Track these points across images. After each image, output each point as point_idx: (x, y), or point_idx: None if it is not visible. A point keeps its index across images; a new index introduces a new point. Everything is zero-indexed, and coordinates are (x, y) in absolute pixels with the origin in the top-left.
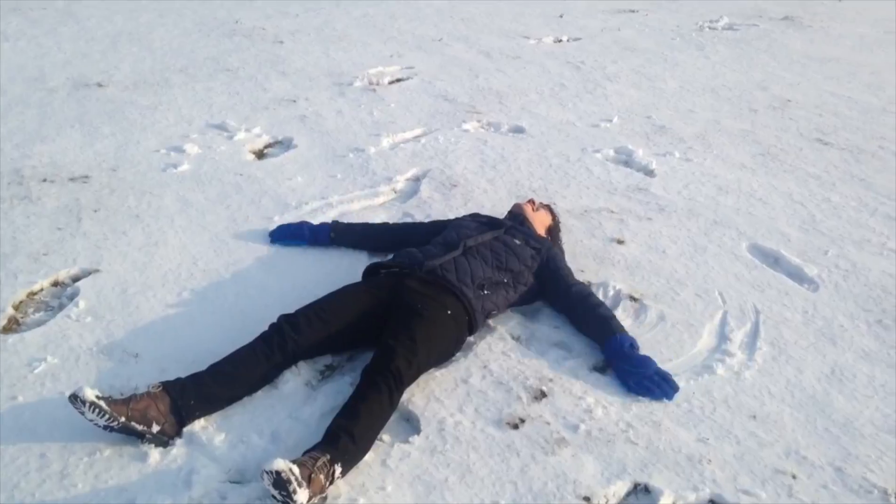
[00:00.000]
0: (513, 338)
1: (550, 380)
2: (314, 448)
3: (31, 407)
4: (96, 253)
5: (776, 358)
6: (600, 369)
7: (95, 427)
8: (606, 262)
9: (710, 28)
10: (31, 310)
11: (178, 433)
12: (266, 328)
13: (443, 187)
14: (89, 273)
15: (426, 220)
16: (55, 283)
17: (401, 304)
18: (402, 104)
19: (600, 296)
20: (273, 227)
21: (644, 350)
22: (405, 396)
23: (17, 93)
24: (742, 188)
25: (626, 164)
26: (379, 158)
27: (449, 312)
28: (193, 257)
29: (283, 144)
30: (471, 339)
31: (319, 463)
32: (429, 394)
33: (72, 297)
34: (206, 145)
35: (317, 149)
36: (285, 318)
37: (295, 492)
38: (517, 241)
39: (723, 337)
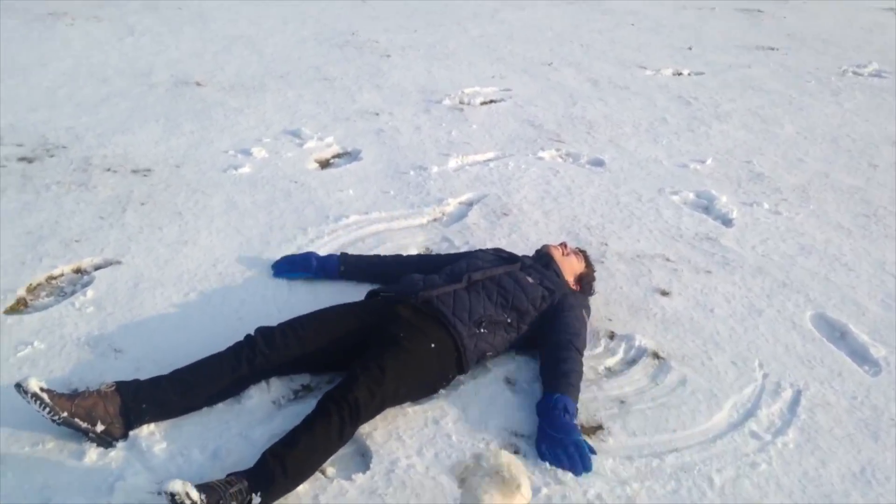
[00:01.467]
0: (508, 383)
1: (529, 435)
2: (239, 472)
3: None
4: (125, 245)
5: (801, 446)
6: (587, 431)
7: (48, 419)
8: (641, 313)
9: (854, 73)
10: (44, 293)
11: (125, 435)
12: (242, 338)
13: (493, 215)
14: (110, 264)
15: (463, 248)
16: (77, 270)
17: (384, 331)
18: (484, 126)
19: (621, 351)
20: (283, 254)
21: (650, 416)
22: (366, 429)
23: (119, 85)
24: (828, 250)
25: (705, 210)
26: (439, 179)
27: (433, 346)
28: (215, 259)
29: (350, 156)
30: (461, 378)
31: (234, 489)
32: (392, 430)
33: (86, 286)
34: (275, 150)
35: (381, 163)
36: (260, 331)
37: None
38: (530, 280)
39: (748, 414)
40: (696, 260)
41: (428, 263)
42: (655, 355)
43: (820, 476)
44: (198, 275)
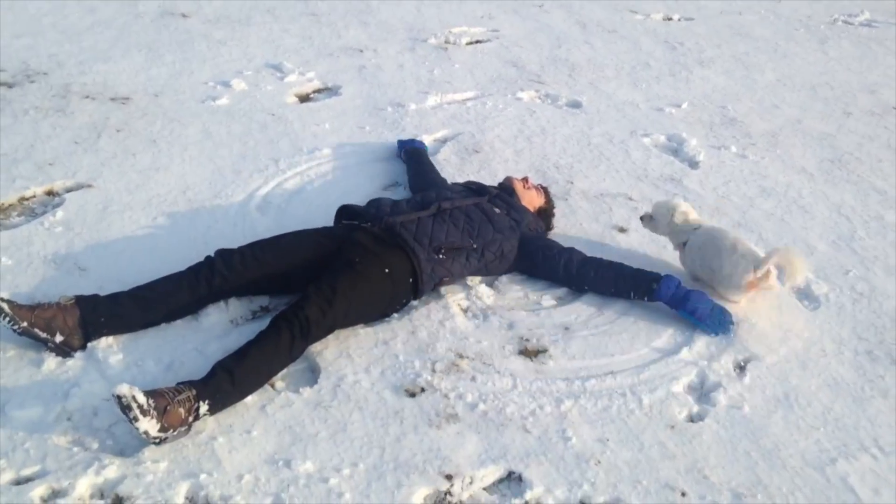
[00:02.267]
0: (460, 308)
1: (474, 357)
2: (188, 381)
3: None
4: (98, 169)
5: (729, 373)
6: (530, 353)
7: (9, 329)
8: (597, 248)
9: (844, 22)
10: (15, 213)
11: (83, 347)
12: (202, 259)
13: (465, 151)
14: (82, 187)
15: None
16: (49, 192)
17: (341, 255)
18: (467, 66)
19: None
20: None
21: (591, 342)
22: (317, 347)
23: (106, 14)
24: (788, 193)
25: (674, 152)
26: (415, 116)
27: (387, 271)
28: (186, 185)
29: (331, 91)
30: (415, 302)
31: (182, 396)
32: (343, 349)
33: (56, 207)
34: (255, 83)
35: (359, 99)
36: (219, 253)
37: (136, 419)
38: (497, 210)
39: (684, 342)
40: (657, 198)
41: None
42: None
43: (743, 401)
44: (167, 200)
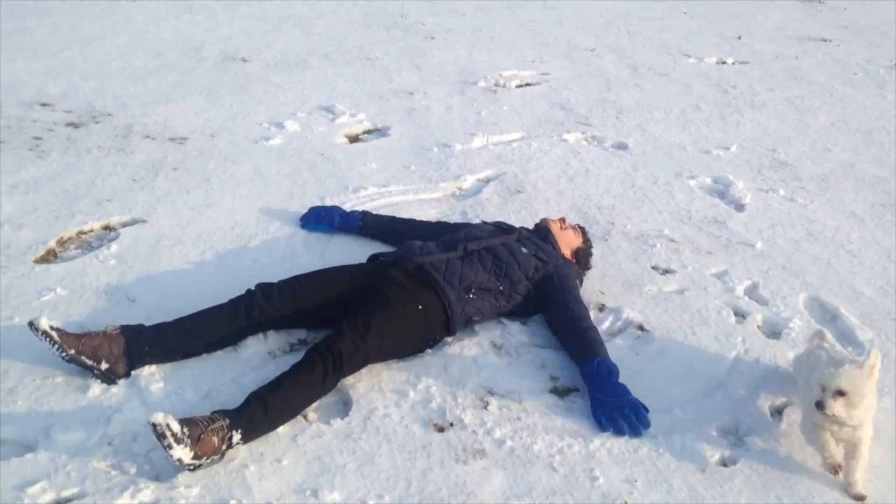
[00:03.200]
0: (494, 346)
1: (504, 394)
2: (223, 410)
3: (19, 328)
4: (153, 206)
5: (765, 417)
6: (560, 393)
7: (57, 356)
8: (635, 289)
9: None
10: (73, 246)
11: (127, 374)
12: (243, 292)
13: (507, 191)
14: (137, 222)
15: (475, 221)
16: (105, 227)
17: (375, 291)
18: (515, 108)
19: (607, 322)
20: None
21: (624, 382)
22: (351, 381)
23: (170, 59)
24: (836, 237)
25: (720, 194)
26: (460, 156)
27: (420, 307)
28: (235, 222)
29: (379, 132)
30: (449, 339)
31: (216, 426)
32: (375, 383)
33: (111, 241)
34: (307, 124)
35: (407, 140)
36: (260, 286)
37: (170, 446)
38: (524, 250)
39: (718, 386)
40: (700, 241)
41: (439, 228)
42: (640, 328)
43: (779, 445)
44: (216, 235)
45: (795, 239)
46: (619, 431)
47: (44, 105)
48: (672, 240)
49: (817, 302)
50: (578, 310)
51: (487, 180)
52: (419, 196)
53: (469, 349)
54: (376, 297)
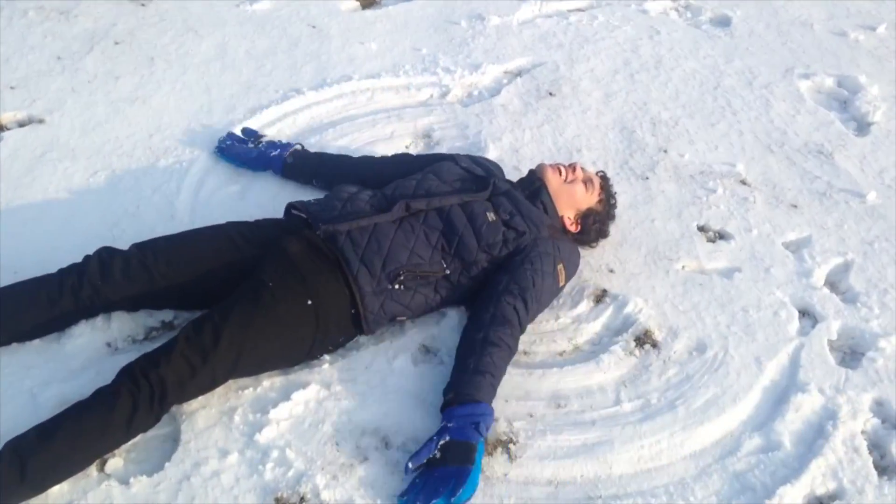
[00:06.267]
0: (424, 350)
1: (403, 443)
2: None
3: None
4: (63, 98)
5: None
6: (498, 444)
7: None
8: (662, 265)
9: None
10: None
11: None
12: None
13: (534, 94)
14: (32, 122)
15: (463, 143)
16: None
17: (258, 273)
18: None
19: (600, 321)
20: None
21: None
22: (198, 403)
23: None
24: None
25: (840, 106)
26: (493, 35)
27: (310, 303)
28: (156, 128)
29: None
30: (361, 339)
31: None
32: (228, 410)
33: None
34: None
35: (432, 7)
36: (99, 255)
37: None
38: (490, 216)
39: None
40: (785, 185)
41: (397, 168)
42: (647, 338)
43: None
44: (122, 148)
45: None
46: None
47: None
48: (744, 181)
49: None
50: (506, 310)
51: (516, 73)
52: (413, 97)
53: (384, 357)
54: (250, 284)
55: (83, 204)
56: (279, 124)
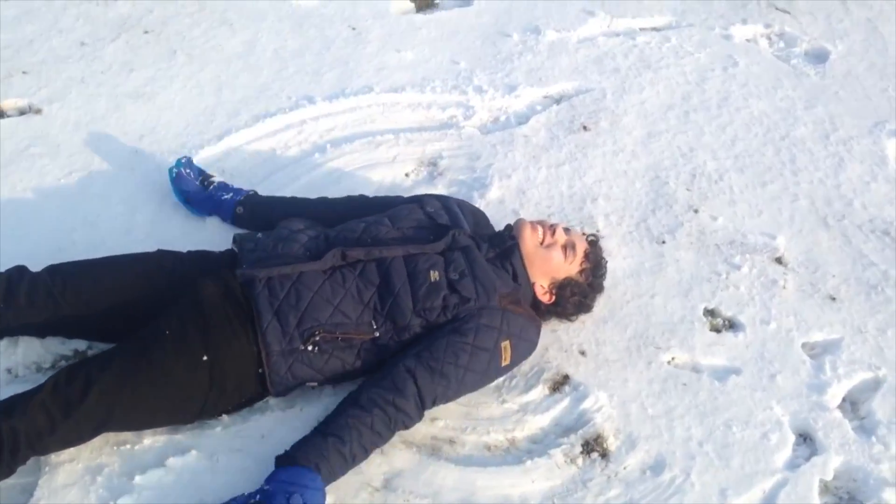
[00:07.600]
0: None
1: None
2: None
3: None
4: (69, 88)
5: None
6: None
7: None
8: (645, 353)
9: None
10: None
11: None
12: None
13: (566, 125)
14: (31, 111)
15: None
16: None
17: (162, 316)
18: None
19: (551, 412)
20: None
21: None
22: (66, 456)
23: None
24: None
25: None
26: (543, 52)
27: (206, 359)
28: (149, 129)
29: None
30: (272, 401)
31: None
32: (96, 468)
33: None
34: None
35: (488, 16)
36: (8, 276)
37: None
38: (433, 275)
39: None
40: (831, 268)
41: (356, 213)
42: (597, 442)
43: None
44: (108, 147)
45: None
46: None
47: None
48: (779, 259)
49: None
50: (399, 376)
51: (556, 99)
52: (428, 117)
53: (291, 423)
54: (147, 330)
55: (46, 206)
56: (280, 135)
